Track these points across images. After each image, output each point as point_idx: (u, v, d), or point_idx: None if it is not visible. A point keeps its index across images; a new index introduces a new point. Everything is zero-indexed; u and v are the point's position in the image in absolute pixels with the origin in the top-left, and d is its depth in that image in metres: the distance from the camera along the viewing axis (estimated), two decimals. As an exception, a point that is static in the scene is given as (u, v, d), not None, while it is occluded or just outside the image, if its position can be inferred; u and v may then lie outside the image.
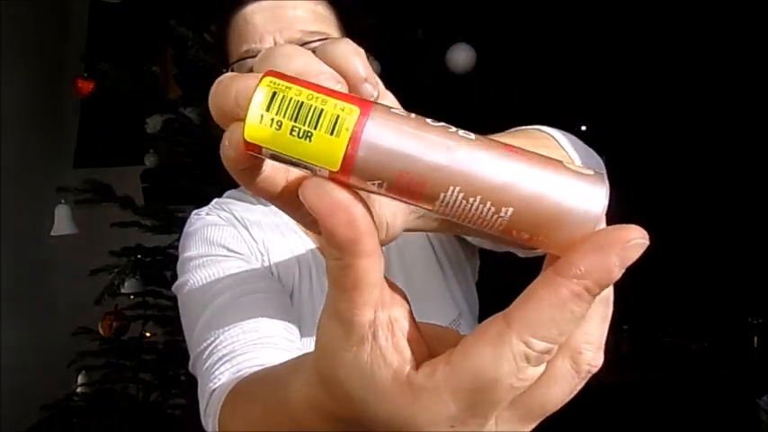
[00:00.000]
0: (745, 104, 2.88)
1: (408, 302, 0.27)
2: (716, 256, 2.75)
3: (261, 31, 0.72)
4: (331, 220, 0.22)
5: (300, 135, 0.23)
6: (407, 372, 0.25)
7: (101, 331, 2.16)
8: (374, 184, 0.24)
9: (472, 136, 0.24)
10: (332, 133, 0.23)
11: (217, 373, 0.58)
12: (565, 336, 0.24)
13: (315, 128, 0.23)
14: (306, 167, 0.24)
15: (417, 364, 0.25)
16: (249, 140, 0.23)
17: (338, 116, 0.23)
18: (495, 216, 0.24)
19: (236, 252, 0.73)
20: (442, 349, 0.25)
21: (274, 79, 0.23)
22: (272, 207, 0.79)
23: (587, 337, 0.26)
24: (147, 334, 2.16)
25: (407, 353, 0.25)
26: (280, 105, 0.23)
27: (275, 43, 0.71)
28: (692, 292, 2.65)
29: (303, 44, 0.71)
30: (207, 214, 0.79)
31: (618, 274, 0.24)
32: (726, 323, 2.52)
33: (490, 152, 0.24)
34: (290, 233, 0.79)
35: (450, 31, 2.33)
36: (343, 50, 0.26)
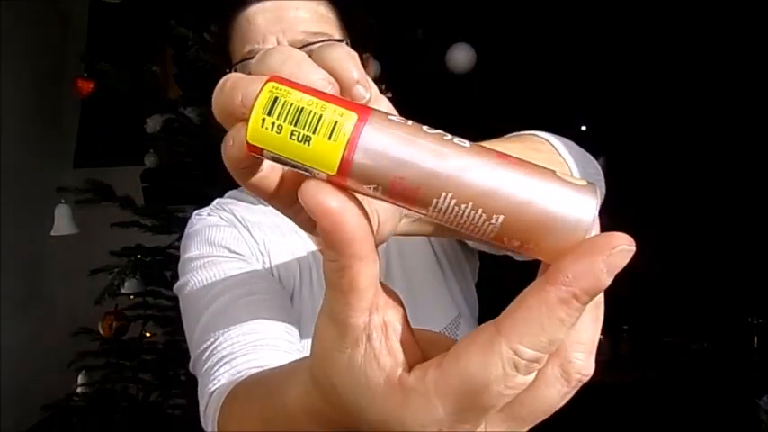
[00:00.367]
0: (745, 104, 2.88)
1: (403, 306, 0.27)
2: (716, 256, 2.75)
3: (264, 32, 0.72)
4: (327, 222, 0.23)
5: (300, 139, 0.24)
6: (399, 374, 0.25)
7: (101, 331, 2.16)
8: (370, 188, 0.25)
9: (467, 144, 0.25)
10: (329, 138, 0.24)
11: (216, 374, 0.59)
12: (555, 344, 0.24)
13: (313, 132, 0.24)
14: (305, 170, 0.24)
15: (410, 367, 0.25)
16: (251, 143, 0.24)
17: (336, 122, 0.24)
18: (487, 223, 0.25)
19: (237, 253, 0.73)
20: (435, 354, 0.25)
21: (277, 84, 0.24)
22: (273, 208, 0.78)
23: (577, 345, 0.26)
24: (147, 334, 2.16)
25: (400, 356, 0.25)
26: (281, 110, 0.24)
27: (278, 44, 0.71)
28: (692, 292, 2.65)
29: (306, 45, 0.71)
30: (208, 215, 0.79)
31: (605, 280, 0.24)
32: (726, 323, 2.52)
33: (483, 160, 0.25)
34: (290, 234, 0.79)
35: (450, 31, 2.33)
36: (337, 54, 0.26)
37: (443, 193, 0.24)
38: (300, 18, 0.73)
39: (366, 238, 0.23)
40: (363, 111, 0.24)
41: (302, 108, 0.24)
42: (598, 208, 0.25)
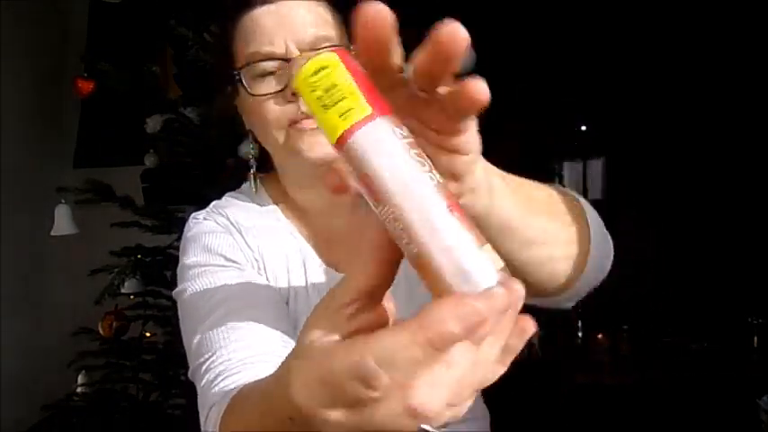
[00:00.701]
0: (745, 104, 2.88)
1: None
2: (716, 257, 2.75)
3: (270, 34, 0.72)
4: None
5: (322, 104, 0.31)
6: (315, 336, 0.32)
7: (101, 331, 2.16)
8: (349, 169, 0.31)
9: (435, 180, 0.30)
10: (340, 116, 0.30)
11: (215, 389, 0.61)
12: (401, 372, 0.28)
13: (333, 106, 0.30)
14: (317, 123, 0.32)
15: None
16: (295, 87, 0.32)
17: (351, 108, 0.30)
18: (408, 246, 0.30)
19: (232, 261, 0.73)
20: None
21: (335, 58, 0.31)
22: (269, 209, 0.79)
23: (422, 380, 0.29)
24: (147, 334, 2.16)
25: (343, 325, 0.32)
26: (322, 77, 0.31)
27: (287, 47, 0.71)
28: (691, 292, 2.65)
29: (315, 49, 0.72)
30: (205, 219, 0.79)
31: (454, 337, 0.27)
32: (726, 323, 2.52)
33: (434, 200, 0.30)
34: (286, 236, 0.79)
35: (450, 31, 2.32)
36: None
37: (388, 206, 0.30)
38: (306, 21, 0.73)
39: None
40: (380, 111, 0.30)
41: (336, 84, 0.30)
42: (489, 286, 0.29)
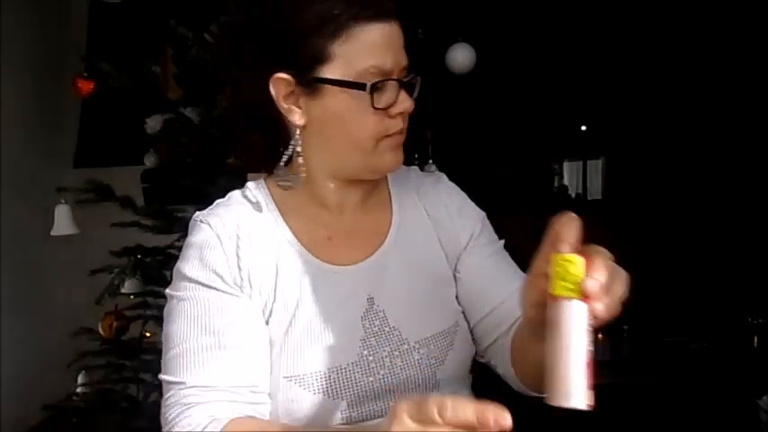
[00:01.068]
0: (745, 105, 2.88)
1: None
2: (716, 257, 2.75)
3: (385, 51, 0.74)
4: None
5: (561, 276, 0.52)
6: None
7: (101, 331, 2.16)
8: (552, 314, 0.54)
9: (587, 342, 0.53)
10: (567, 288, 0.52)
11: (181, 420, 0.69)
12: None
13: (566, 280, 0.52)
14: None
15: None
16: (557, 258, 0.52)
17: (573, 288, 0.52)
18: (556, 352, 0.54)
19: (222, 279, 0.75)
20: None
21: (583, 262, 0.51)
22: (274, 215, 0.81)
23: None
24: (147, 334, 2.16)
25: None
26: (570, 262, 0.51)
27: (390, 66, 0.74)
28: (692, 293, 2.65)
29: (405, 72, 0.77)
30: (205, 223, 0.79)
31: None
32: (726, 323, 2.52)
33: (581, 349, 0.53)
34: (295, 245, 0.80)
35: (450, 31, 2.32)
36: None
37: (561, 335, 0.54)
38: (402, 44, 0.76)
39: None
40: (585, 299, 0.52)
41: (574, 274, 0.52)
42: None
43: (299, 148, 0.79)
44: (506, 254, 0.89)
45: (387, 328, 0.78)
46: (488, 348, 0.84)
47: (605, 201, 3.72)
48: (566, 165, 3.89)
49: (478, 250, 0.86)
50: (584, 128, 3.45)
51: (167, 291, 0.79)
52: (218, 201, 0.84)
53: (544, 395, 0.53)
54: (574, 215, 0.53)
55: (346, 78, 0.73)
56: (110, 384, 2.12)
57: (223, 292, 0.75)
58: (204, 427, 0.67)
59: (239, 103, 0.88)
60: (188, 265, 0.77)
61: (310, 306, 0.77)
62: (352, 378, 0.75)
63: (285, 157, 0.80)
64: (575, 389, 0.51)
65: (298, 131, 0.78)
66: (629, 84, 3.10)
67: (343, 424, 0.74)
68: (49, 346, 2.74)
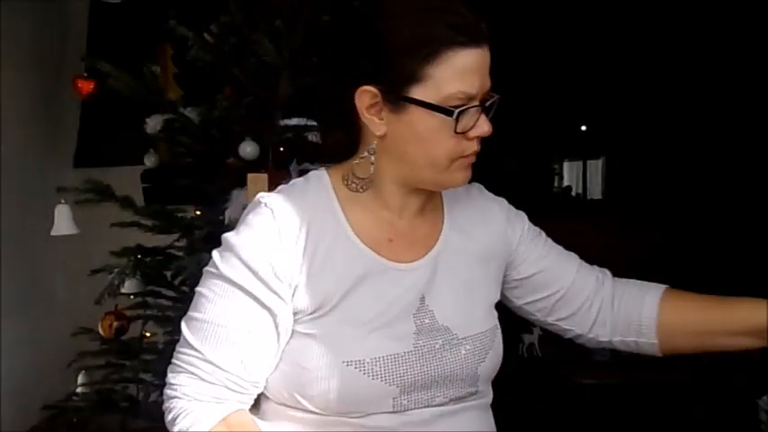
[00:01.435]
0: (745, 105, 2.88)
1: None
2: (716, 256, 2.75)
3: (474, 76, 0.76)
4: None
5: None
6: None
7: (101, 331, 2.16)
8: None
9: None
10: None
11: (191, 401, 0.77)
12: None
13: None
14: None
15: None
16: None
17: None
18: None
19: (263, 281, 0.77)
20: None
21: None
22: (335, 207, 0.84)
23: None
24: (147, 334, 2.16)
25: None
26: None
27: (478, 91, 0.76)
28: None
29: (486, 95, 0.79)
30: (270, 209, 0.80)
31: None
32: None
33: None
34: (353, 237, 0.82)
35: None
36: None
37: None
38: (488, 67, 0.78)
39: None
40: None
41: None
42: None
43: (372, 158, 0.82)
44: (550, 239, 1.00)
45: (437, 325, 0.83)
46: (567, 318, 0.96)
47: (605, 201, 3.72)
48: (566, 165, 3.89)
49: (534, 244, 0.96)
50: (584, 128, 3.45)
51: (215, 251, 0.81)
52: (282, 186, 0.86)
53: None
54: None
55: (433, 101, 0.75)
56: (110, 384, 2.12)
57: (262, 282, 0.77)
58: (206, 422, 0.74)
59: (326, 105, 0.93)
60: (240, 243, 0.79)
61: (367, 297, 0.80)
62: (408, 366, 0.79)
63: (358, 160, 0.84)
64: None
65: (375, 140, 0.81)
66: (630, 84, 3.11)
67: (392, 411, 0.79)
68: (49, 346, 2.74)
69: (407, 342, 0.80)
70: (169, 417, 0.78)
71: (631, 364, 2.46)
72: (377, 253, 0.83)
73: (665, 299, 0.94)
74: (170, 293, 2.05)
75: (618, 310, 0.96)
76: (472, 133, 0.78)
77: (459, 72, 0.75)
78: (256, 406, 0.84)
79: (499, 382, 0.91)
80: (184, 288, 2.00)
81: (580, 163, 3.79)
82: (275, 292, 0.78)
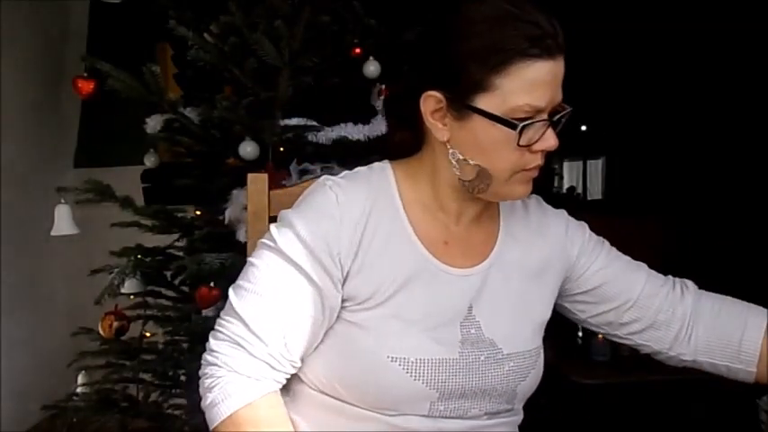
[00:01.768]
0: (745, 105, 2.88)
1: None
2: (715, 256, 2.75)
3: (545, 90, 0.74)
4: None
5: None
6: None
7: (101, 331, 2.16)
8: None
9: None
10: None
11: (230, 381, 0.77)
12: None
13: None
14: None
15: None
16: None
17: None
18: None
19: (323, 251, 0.77)
20: None
21: None
22: (396, 202, 0.83)
23: None
24: (147, 334, 2.16)
25: None
26: None
27: (546, 105, 0.75)
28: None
29: (557, 106, 0.78)
30: (335, 194, 0.80)
31: None
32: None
33: None
34: (401, 238, 0.82)
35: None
36: None
37: None
38: (561, 79, 0.77)
39: None
40: None
41: None
42: None
43: (455, 163, 0.81)
44: (614, 248, 0.97)
45: (482, 337, 0.82)
46: (640, 333, 0.93)
47: (605, 201, 3.72)
48: (566, 165, 3.90)
49: (595, 254, 0.94)
50: (584, 128, 3.45)
51: (272, 225, 0.82)
52: (346, 172, 0.86)
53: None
54: None
55: (497, 112, 0.74)
56: (109, 384, 2.12)
57: (317, 260, 0.78)
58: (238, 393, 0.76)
59: (395, 104, 0.93)
60: (300, 220, 0.79)
61: (417, 297, 0.80)
62: (450, 373, 0.78)
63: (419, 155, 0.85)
64: None
65: (457, 156, 0.80)
66: (630, 84, 3.11)
67: (428, 415, 0.78)
68: (49, 346, 2.74)
69: (453, 349, 0.79)
70: (206, 383, 0.78)
71: (631, 364, 2.47)
72: (432, 254, 0.82)
73: None
74: (170, 293, 2.05)
75: (711, 329, 0.93)
76: (537, 147, 0.76)
77: (528, 84, 0.73)
78: (286, 387, 0.83)
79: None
80: (184, 288, 2.01)
81: (580, 163, 3.79)
82: (328, 273, 0.77)
